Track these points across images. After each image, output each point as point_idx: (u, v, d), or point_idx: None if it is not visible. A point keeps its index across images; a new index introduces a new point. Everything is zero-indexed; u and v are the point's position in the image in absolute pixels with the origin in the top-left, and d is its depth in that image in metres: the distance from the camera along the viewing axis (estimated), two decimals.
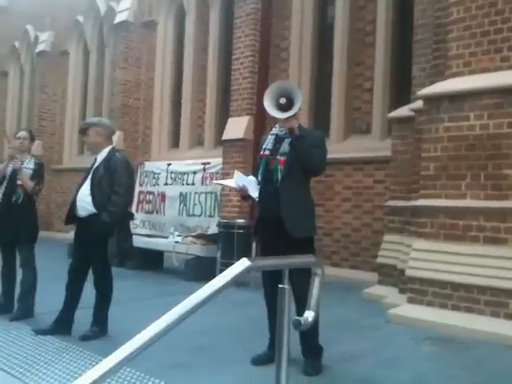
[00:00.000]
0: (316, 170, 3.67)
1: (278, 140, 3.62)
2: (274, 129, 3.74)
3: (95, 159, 4.34)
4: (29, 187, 4.71)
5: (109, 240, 4.15)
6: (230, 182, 3.91)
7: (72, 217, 4.31)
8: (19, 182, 4.73)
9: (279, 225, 3.44)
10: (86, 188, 4.21)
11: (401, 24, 7.77)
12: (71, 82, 13.75)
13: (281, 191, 3.50)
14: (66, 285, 4.31)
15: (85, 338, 4.07)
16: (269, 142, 3.67)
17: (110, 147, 4.36)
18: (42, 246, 5.23)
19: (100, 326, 4.21)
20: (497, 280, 4.49)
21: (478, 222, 4.73)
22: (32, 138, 5.04)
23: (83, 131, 4.38)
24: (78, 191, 4.26)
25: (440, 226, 4.95)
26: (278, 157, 3.55)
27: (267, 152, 3.62)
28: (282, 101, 3.43)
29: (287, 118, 3.43)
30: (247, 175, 3.79)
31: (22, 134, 4.97)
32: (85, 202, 4.17)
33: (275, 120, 3.66)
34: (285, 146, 3.56)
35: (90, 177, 4.24)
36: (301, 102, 3.42)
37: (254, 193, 3.64)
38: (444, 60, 5.33)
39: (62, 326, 4.22)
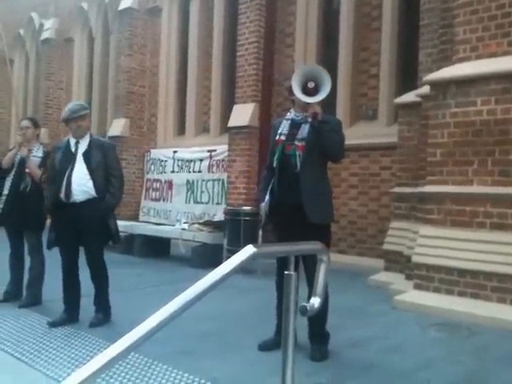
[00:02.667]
0: (337, 156, 3.63)
1: (295, 125, 3.57)
2: (288, 114, 3.67)
3: (76, 143, 4.23)
4: (36, 175, 4.72)
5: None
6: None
7: (56, 204, 4.18)
8: (27, 170, 4.74)
9: (297, 210, 3.41)
10: (82, 172, 4.13)
11: (407, 9, 7.68)
12: (76, 70, 13.74)
13: (301, 177, 3.46)
14: (62, 281, 4.27)
15: (92, 325, 4.11)
16: (284, 126, 3.61)
17: (89, 132, 4.37)
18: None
19: (103, 312, 4.26)
20: (503, 266, 4.48)
21: (484, 208, 4.71)
22: (36, 125, 5.02)
23: (82, 117, 4.24)
24: (67, 176, 4.10)
25: (447, 213, 4.94)
26: (296, 142, 3.50)
27: (283, 137, 3.56)
28: (311, 85, 3.40)
29: (310, 103, 3.41)
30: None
31: (24, 123, 4.96)
32: (85, 186, 4.12)
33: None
34: (303, 131, 3.52)
35: (81, 161, 4.16)
36: (330, 86, 3.38)
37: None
38: (451, 45, 5.28)
39: (70, 316, 4.22)
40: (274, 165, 3.59)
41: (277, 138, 3.60)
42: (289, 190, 3.49)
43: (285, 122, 3.64)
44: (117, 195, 4.25)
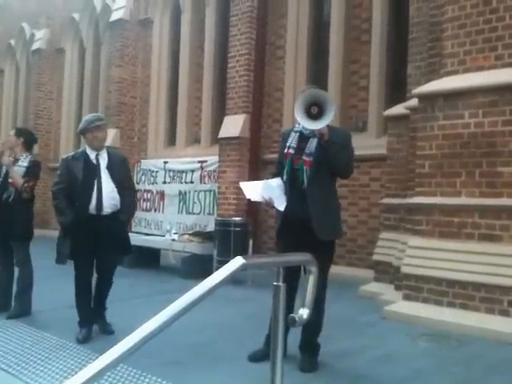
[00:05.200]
0: (346, 172, 3.62)
1: (303, 139, 3.53)
2: (297, 125, 3.60)
3: (96, 155, 4.26)
4: (18, 184, 4.71)
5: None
6: (253, 192, 3.65)
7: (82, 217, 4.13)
8: (10, 180, 4.74)
9: (304, 226, 3.39)
10: (110, 185, 4.21)
11: (396, 22, 7.78)
12: (67, 80, 13.72)
13: (308, 193, 3.43)
14: (78, 292, 4.21)
15: (108, 332, 4.23)
16: (293, 139, 3.56)
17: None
18: (39, 244, 5.23)
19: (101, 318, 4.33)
20: (491, 277, 4.52)
21: (472, 220, 4.75)
22: (19, 134, 5.00)
23: (99, 127, 4.30)
24: (97, 190, 4.13)
25: (435, 224, 4.98)
26: (304, 157, 3.47)
27: (291, 150, 3.53)
28: (314, 110, 3.33)
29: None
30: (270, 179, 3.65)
31: (10, 132, 5.08)
32: (114, 199, 4.22)
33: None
34: (311, 146, 3.48)
35: (106, 174, 4.22)
36: (333, 112, 3.29)
37: (281, 205, 3.51)
38: (439, 58, 5.36)
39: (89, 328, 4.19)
40: (284, 179, 3.56)
41: (285, 150, 3.57)
42: (297, 205, 3.45)
43: (293, 134, 3.60)
44: (132, 207, 4.47)
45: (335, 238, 3.62)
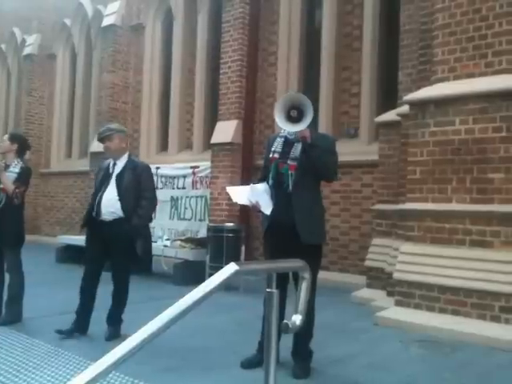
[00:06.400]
0: (331, 177, 3.65)
1: (288, 144, 3.57)
2: (282, 131, 3.64)
3: (113, 164, 4.43)
4: (9, 190, 4.68)
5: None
6: (240, 196, 3.70)
7: (88, 220, 4.40)
8: (1, 186, 4.71)
9: (290, 230, 3.41)
10: (111, 193, 4.30)
11: (387, 29, 7.84)
12: (58, 85, 13.68)
13: (293, 197, 3.46)
14: (80, 289, 4.36)
15: (110, 338, 4.18)
16: (278, 144, 3.61)
17: (127, 153, 4.54)
18: (30, 249, 5.20)
19: (115, 326, 4.32)
20: (483, 283, 4.54)
21: (463, 226, 4.78)
22: (13, 140, 4.97)
23: (107, 138, 4.42)
24: (99, 196, 4.32)
25: (427, 230, 5.00)
26: (289, 161, 3.50)
27: (276, 155, 3.57)
28: (294, 113, 3.37)
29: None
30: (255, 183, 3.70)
31: (3, 137, 5.04)
32: (113, 207, 4.28)
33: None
34: (295, 151, 3.52)
35: (113, 182, 4.34)
36: (312, 113, 3.32)
37: (267, 209, 3.54)
38: (430, 65, 5.40)
39: (80, 327, 4.30)
40: (270, 183, 3.59)
41: (270, 155, 3.61)
42: (282, 208, 3.48)
43: (278, 139, 3.64)
44: (143, 217, 4.36)
45: (319, 242, 3.59)
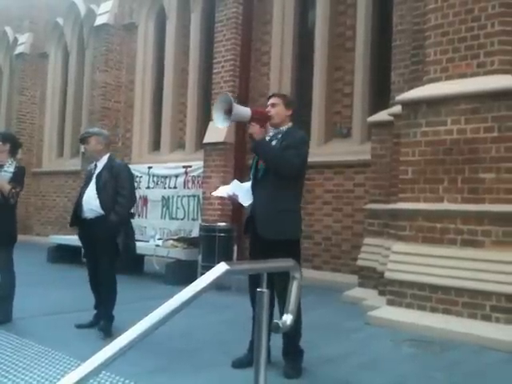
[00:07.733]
0: (283, 173, 3.51)
1: (270, 141, 3.71)
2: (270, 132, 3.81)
3: (95, 165, 4.67)
4: (5, 190, 4.65)
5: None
6: (220, 190, 3.93)
7: (76, 219, 4.64)
8: None
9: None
10: (91, 192, 4.52)
11: (380, 30, 7.86)
12: (50, 85, 13.61)
13: (256, 192, 3.60)
14: (90, 286, 4.67)
15: (100, 331, 4.34)
16: None
17: (108, 154, 4.72)
18: (21, 249, 5.17)
19: (106, 323, 4.40)
20: (474, 282, 4.56)
21: (455, 225, 4.80)
22: (4, 140, 4.94)
23: (84, 140, 4.68)
24: (81, 195, 4.58)
25: (418, 229, 5.02)
26: None
27: None
28: (228, 113, 3.51)
29: (251, 125, 3.54)
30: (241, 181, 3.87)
31: None
32: (92, 204, 4.48)
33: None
34: None
35: (94, 181, 4.56)
36: (237, 111, 3.46)
37: (246, 201, 3.67)
38: (422, 65, 5.41)
39: (98, 321, 4.51)
40: (251, 180, 3.71)
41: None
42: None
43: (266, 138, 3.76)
44: (120, 214, 4.45)
45: (280, 237, 3.46)
